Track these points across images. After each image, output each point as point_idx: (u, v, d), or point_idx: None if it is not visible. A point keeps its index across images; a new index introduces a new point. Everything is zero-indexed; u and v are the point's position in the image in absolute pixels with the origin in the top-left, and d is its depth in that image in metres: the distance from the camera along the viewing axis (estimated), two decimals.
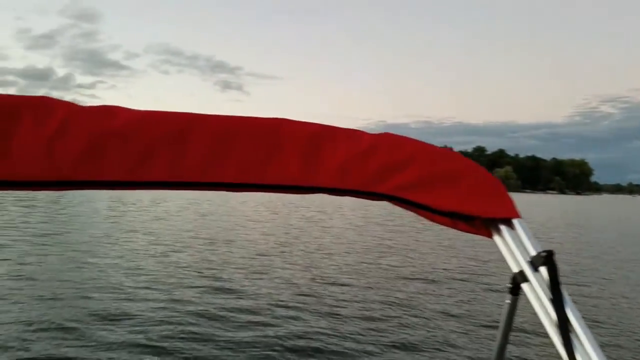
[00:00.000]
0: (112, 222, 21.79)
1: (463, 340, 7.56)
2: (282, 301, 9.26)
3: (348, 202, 45.40)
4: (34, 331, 6.84)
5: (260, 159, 1.12)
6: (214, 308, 8.54)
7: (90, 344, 6.50)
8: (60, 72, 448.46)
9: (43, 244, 14.43)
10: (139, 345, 6.57)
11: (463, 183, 1.17)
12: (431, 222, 1.22)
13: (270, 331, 7.44)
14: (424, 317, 8.70)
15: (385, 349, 6.99)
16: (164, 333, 7.07)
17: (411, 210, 1.18)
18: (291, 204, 40.09)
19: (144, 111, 1.11)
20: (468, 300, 10.21)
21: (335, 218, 29.57)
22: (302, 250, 16.12)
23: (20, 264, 11.41)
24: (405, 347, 7.15)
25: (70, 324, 7.24)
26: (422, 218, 1.21)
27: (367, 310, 8.95)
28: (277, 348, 6.75)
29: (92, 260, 12.39)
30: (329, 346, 6.95)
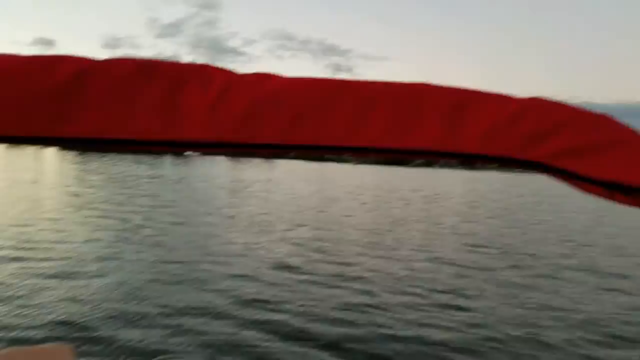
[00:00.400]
0: (232, 198, 23.21)
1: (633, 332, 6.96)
2: (397, 278, 9.30)
3: (465, 184, 44.05)
4: (161, 285, 7.60)
5: (403, 124, 1.13)
6: (326, 278, 8.85)
7: (205, 299, 7.06)
8: (186, 59, 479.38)
9: (169, 214, 15.85)
10: (250, 304, 7.02)
11: (622, 150, 1.08)
12: (585, 193, 1.15)
13: (384, 305, 7.52)
14: (575, 304, 8.16)
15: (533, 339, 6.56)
16: (270, 296, 7.46)
17: (563, 180, 1.12)
18: (391, 187, 39.71)
19: (293, 78, 1.17)
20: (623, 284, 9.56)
21: (458, 196, 28.80)
22: (417, 229, 15.97)
23: (153, 229, 12.71)
24: (559, 338, 6.60)
25: (192, 283, 7.94)
26: (576, 188, 1.15)
27: (510, 297, 8.57)
28: (391, 326, 6.81)
29: (218, 229, 13.42)
30: (457, 328, 6.85)
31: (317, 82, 1.16)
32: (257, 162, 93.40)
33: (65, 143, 1.08)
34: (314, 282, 8.74)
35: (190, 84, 1.11)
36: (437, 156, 1.15)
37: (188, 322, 6.41)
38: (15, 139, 1.03)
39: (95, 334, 5.81)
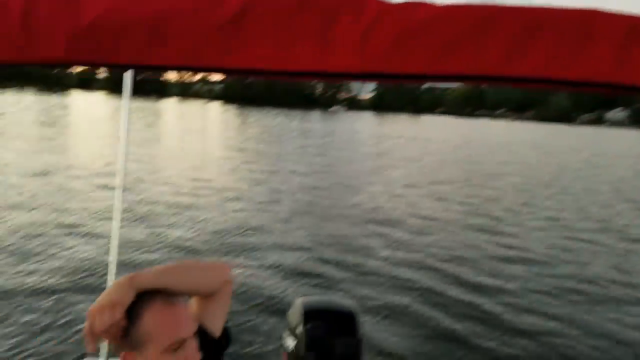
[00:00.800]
0: (378, 151, 23.44)
1: None
2: (549, 235, 8.78)
3: None
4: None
5: (568, 53, 1.05)
6: (472, 232, 8.68)
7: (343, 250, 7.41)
8: None
9: (318, 164, 16.58)
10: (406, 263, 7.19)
11: None
12: None
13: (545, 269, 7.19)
14: None
15: None
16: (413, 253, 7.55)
17: None
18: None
19: (446, 5, 1.14)
20: None
21: (628, 158, 25.82)
22: (576, 191, 14.72)
23: (305, 177, 13.47)
24: None
25: (342, 223, 8.36)
26: None
27: None
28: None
29: (364, 181, 13.78)
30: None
31: (471, 8, 1.12)
32: (403, 117, 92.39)
33: (229, 73, 1.18)
34: (457, 233, 8.75)
35: (343, 14, 1.13)
36: (604, 88, 1.05)
37: (338, 256, 7.06)
38: (187, 68, 1.14)
39: (256, 258, 6.59)
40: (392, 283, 6.15)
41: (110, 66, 1.13)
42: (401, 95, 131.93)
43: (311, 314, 1.43)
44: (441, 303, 5.64)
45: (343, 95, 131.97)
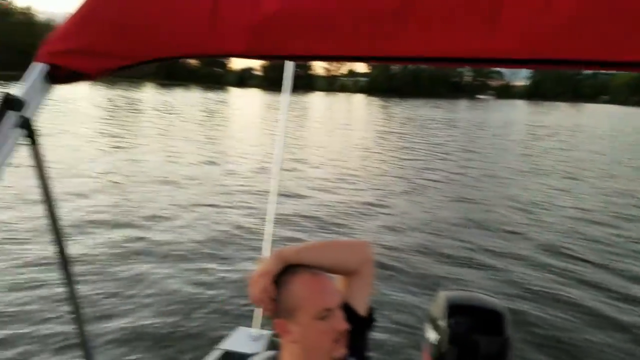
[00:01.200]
0: (532, 142, 21.97)
1: None
2: None
3: None
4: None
5: None
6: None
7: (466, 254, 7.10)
8: None
9: (464, 158, 16.10)
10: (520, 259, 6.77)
11: None
12: None
13: None
14: None
15: None
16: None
17: None
18: None
19: None
20: None
21: None
22: None
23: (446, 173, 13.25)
24: None
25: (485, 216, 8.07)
26: None
27: None
28: None
29: (515, 174, 13.17)
30: None
31: None
32: (561, 105, 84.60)
33: (396, 61, 1.12)
34: (622, 228, 8.14)
35: None
36: None
37: (491, 245, 6.96)
38: (353, 59, 1.12)
39: (402, 242, 6.70)
40: (550, 277, 5.92)
41: (284, 58, 1.15)
42: (560, 82, 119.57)
43: (455, 309, 1.40)
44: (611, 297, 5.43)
45: (493, 82, 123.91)
